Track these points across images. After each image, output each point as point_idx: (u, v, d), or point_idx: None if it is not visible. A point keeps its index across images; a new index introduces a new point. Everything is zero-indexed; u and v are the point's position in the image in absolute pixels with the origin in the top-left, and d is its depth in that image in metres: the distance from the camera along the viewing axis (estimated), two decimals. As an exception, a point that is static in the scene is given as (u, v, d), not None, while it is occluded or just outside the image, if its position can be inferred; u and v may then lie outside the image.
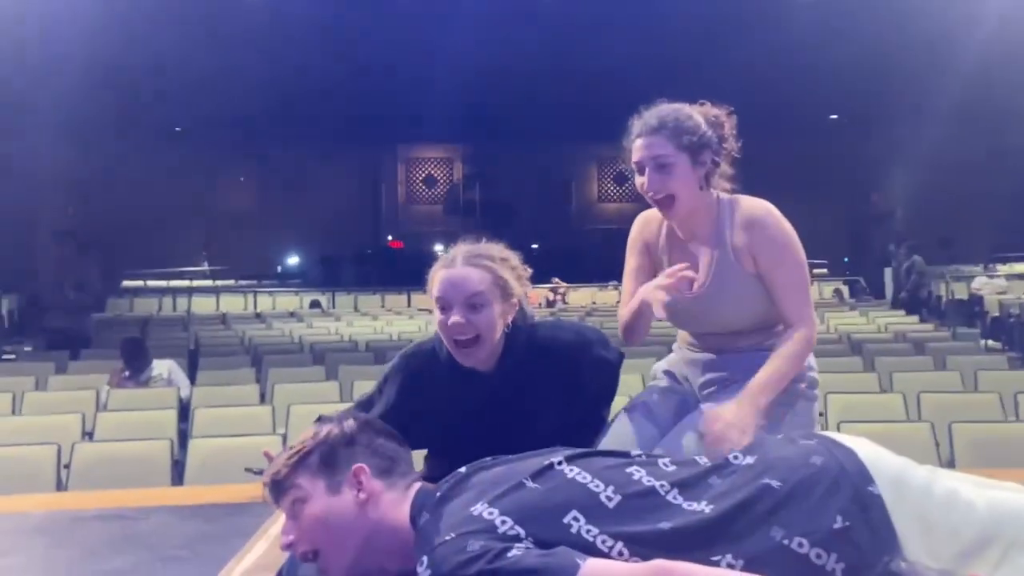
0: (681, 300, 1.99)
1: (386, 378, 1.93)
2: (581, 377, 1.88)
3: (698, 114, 2.02)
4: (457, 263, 1.80)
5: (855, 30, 12.25)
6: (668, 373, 2.20)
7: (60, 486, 3.91)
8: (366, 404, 1.94)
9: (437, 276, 1.83)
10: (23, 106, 13.46)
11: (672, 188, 1.97)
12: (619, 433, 2.01)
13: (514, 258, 1.87)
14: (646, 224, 2.17)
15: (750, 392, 1.89)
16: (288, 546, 1.49)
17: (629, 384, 5.72)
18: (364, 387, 5.87)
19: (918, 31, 12.14)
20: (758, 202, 2.05)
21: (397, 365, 1.92)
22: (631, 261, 2.15)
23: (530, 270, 1.91)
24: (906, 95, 15.32)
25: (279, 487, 1.50)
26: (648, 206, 2.08)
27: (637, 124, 2.01)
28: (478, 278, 1.77)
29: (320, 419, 1.64)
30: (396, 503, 1.50)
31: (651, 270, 2.11)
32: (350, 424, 1.56)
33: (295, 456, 1.51)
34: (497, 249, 1.86)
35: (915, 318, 11.06)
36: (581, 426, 1.88)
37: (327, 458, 1.51)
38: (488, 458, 1.56)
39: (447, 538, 1.32)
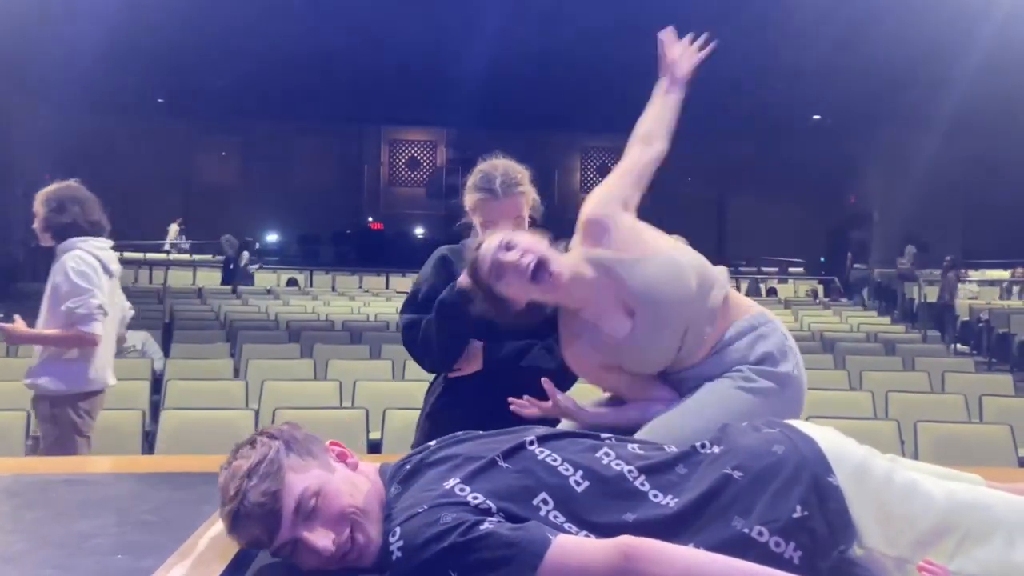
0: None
1: (427, 263, 2.34)
2: None
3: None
4: (498, 192, 2.18)
5: (841, 32, 12.32)
6: None
7: (28, 453, 3.88)
8: (412, 294, 2.32)
9: (481, 204, 2.20)
10: (4, 70, 13.25)
11: None
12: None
13: (526, 172, 2.27)
14: None
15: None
16: (334, 553, 1.33)
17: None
18: (339, 366, 5.91)
19: (906, 38, 12.24)
20: None
21: (436, 252, 2.35)
22: None
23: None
24: (888, 100, 15.45)
25: (277, 497, 1.33)
26: None
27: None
28: (517, 205, 2.19)
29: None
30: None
31: None
32: (280, 430, 1.44)
33: (264, 467, 1.35)
34: (519, 171, 2.25)
35: (887, 319, 11.21)
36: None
37: (297, 448, 1.40)
38: (459, 432, 1.57)
39: (419, 510, 1.33)
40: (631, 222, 1.87)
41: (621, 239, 1.82)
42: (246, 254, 16.01)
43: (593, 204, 1.87)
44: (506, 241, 1.78)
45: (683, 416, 1.80)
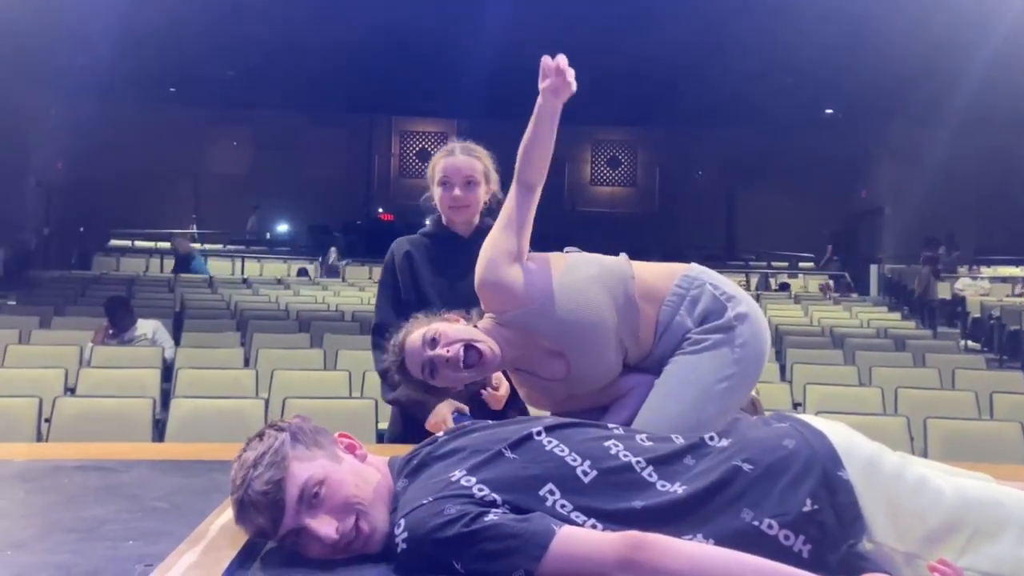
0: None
1: (385, 261, 2.54)
2: None
3: None
4: (456, 153, 2.44)
5: (853, 26, 12.24)
6: None
7: (40, 439, 3.92)
8: (381, 291, 2.52)
9: (440, 163, 2.45)
10: (16, 60, 13.29)
11: None
12: None
13: (489, 154, 2.50)
14: None
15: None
16: (337, 541, 1.34)
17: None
18: (349, 356, 5.91)
19: (919, 32, 12.15)
20: None
21: (392, 246, 2.55)
22: None
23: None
24: (901, 94, 15.35)
25: (281, 486, 1.34)
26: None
27: None
28: (471, 164, 2.43)
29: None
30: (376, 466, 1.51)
31: None
32: (288, 423, 1.46)
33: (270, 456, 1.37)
34: (481, 148, 2.49)
35: (897, 315, 11.17)
36: None
37: (303, 439, 1.42)
38: (467, 422, 1.57)
39: (424, 502, 1.33)
40: (517, 270, 1.84)
41: (516, 292, 1.82)
42: (334, 250, 16.07)
43: (479, 270, 1.86)
44: (429, 336, 1.78)
45: (660, 405, 1.82)
